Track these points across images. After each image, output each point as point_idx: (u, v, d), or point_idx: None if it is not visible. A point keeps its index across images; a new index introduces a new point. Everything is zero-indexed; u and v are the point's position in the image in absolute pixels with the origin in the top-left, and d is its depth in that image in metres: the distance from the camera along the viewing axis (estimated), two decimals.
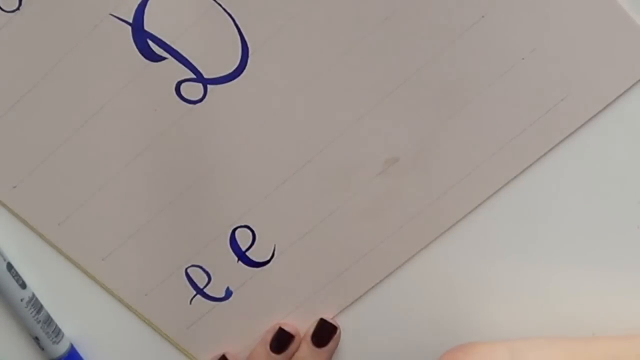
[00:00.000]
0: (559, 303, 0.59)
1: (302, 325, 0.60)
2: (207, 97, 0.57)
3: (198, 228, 0.59)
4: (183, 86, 0.57)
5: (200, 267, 0.60)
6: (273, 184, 0.58)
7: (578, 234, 0.58)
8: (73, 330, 0.61)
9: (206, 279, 0.60)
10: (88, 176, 0.59)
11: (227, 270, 0.60)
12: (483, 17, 0.55)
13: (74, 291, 0.60)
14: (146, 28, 0.56)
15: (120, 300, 0.61)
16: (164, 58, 0.56)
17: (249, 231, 0.59)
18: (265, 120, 0.57)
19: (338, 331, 0.60)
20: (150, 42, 0.56)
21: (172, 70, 0.56)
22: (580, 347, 0.54)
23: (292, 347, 0.60)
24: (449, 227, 0.59)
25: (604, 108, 0.57)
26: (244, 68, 0.56)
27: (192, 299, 0.60)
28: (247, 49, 0.56)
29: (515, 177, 0.57)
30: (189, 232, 0.59)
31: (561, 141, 0.57)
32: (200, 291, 0.60)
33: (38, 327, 0.60)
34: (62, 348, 0.61)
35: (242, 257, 0.60)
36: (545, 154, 0.57)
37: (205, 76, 0.56)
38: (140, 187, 0.59)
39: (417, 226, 0.58)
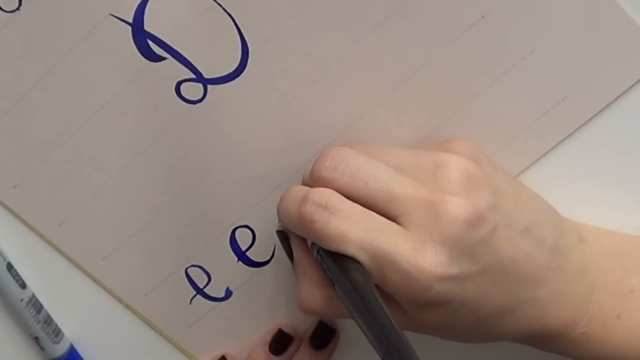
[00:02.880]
0: None
1: (302, 326, 0.60)
2: (207, 97, 0.57)
3: (198, 228, 0.59)
4: (183, 86, 0.57)
5: (200, 267, 0.60)
6: (273, 183, 0.58)
7: None
8: (73, 330, 0.61)
9: (206, 279, 0.60)
10: (88, 176, 0.58)
11: (227, 270, 0.60)
12: (483, 17, 0.55)
13: (74, 291, 0.60)
14: (146, 28, 0.56)
15: (120, 300, 0.61)
16: (164, 58, 0.56)
17: (249, 231, 0.59)
18: (265, 120, 0.57)
19: (337, 333, 0.60)
20: (150, 42, 0.56)
21: (172, 70, 0.56)
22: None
23: (291, 349, 0.60)
24: None
25: (604, 108, 0.57)
26: (244, 68, 0.56)
27: (192, 299, 0.60)
28: (247, 49, 0.56)
29: (515, 177, 0.57)
30: (189, 232, 0.59)
31: (561, 141, 0.57)
32: (200, 291, 0.60)
33: (38, 327, 0.60)
34: (62, 348, 0.61)
35: (242, 257, 0.60)
36: (545, 154, 0.57)
37: (205, 76, 0.57)
38: (140, 187, 0.59)
39: None
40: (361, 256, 0.50)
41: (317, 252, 0.52)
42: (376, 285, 0.51)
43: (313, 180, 0.52)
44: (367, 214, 0.51)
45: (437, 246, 0.50)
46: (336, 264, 0.50)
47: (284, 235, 0.55)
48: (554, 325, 0.53)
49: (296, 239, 0.55)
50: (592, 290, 0.54)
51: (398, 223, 0.51)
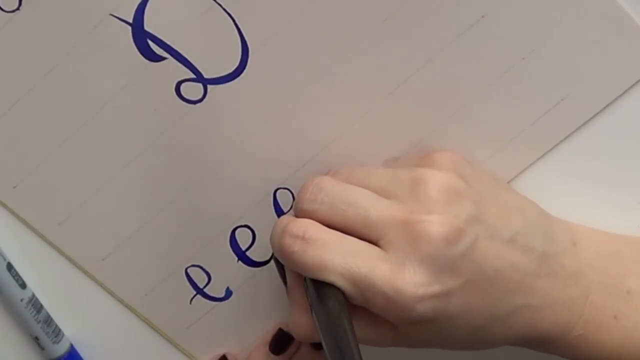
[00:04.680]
0: None
1: None
2: (207, 97, 0.57)
3: (198, 228, 0.59)
4: (183, 86, 0.57)
5: (200, 267, 0.60)
6: (273, 183, 0.58)
7: None
8: (73, 330, 0.61)
9: (206, 279, 0.60)
10: (88, 176, 0.58)
11: (227, 270, 0.60)
12: (483, 17, 0.55)
13: (74, 291, 0.60)
14: (146, 28, 0.56)
15: (120, 300, 0.61)
16: (164, 58, 0.56)
17: (249, 231, 0.59)
18: (265, 120, 0.57)
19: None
20: (150, 42, 0.56)
21: (172, 70, 0.56)
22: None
23: (291, 349, 0.60)
24: None
25: (604, 108, 0.57)
26: (244, 68, 0.56)
27: (192, 299, 0.60)
28: (247, 49, 0.56)
29: (515, 177, 0.57)
30: (189, 232, 0.59)
31: (561, 141, 0.57)
32: (200, 291, 0.60)
33: (38, 327, 0.60)
34: (62, 348, 0.61)
35: (242, 257, 0.60)
36: (545, 153, 0.57)
37: (205, 76, 0.57)
38: (140, 187, 0.59)
39: None
40: (341, 282, 0.51)
41: (305, 279, 0.53)
42: (362, 307, 0.51)
43: (297, 212, 0.54)
44: (345, 240, 0.52)
45: (416, 266, 0.50)
46: (316, 291, 0.51)
47: (279, 262, 0.55)
48: (548, 330, 0.53)
49: None
50: (587, 292, 0.54)
51: (379, 246, 0.51)
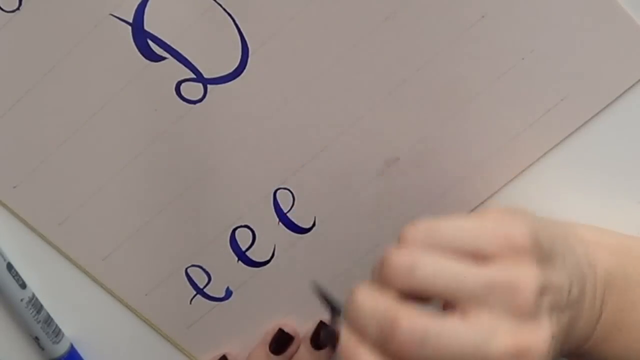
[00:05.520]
0: None
1: (302, 326, 0.60)
2: (207, 97, 0.57)
3: (198, 228, 0.59)
4: (183, 86, 0.57)
5: (200, 267, 0.60)
6: (273, 183, 0.58)
7: None
8: (73, 330, 0.61)
9: (206, 279, 0.60)
10: (88, 176, 0.59)
11: (227, 270, 0.60)
12: (483, 17, 0.55)
13: (74, 291, 0.60)
14: (146, 28, 0.56)
15: (120, 300, 0.61)
16: (164, 58, 0.56)
17: (249, 231, 0.59)
18: (265, 120, 0.57)
19: (338, 334, 0.60)
20: (150, 42, 0.56)
21: (172, 70, 0.56)
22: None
23: (292, 348, 0.60)
24: None
25: (604, 108, 0.57)
26: (244, 68, 0.56)
27: (192, 299, 0.60)
28: (247, 49, 0.56)
29: (515, 177, 0.58)
30: (189, 232, 0.59)
31: (561, 141, 0.57)
32: (200, 291, 0.60)
33: (38, 327, 0.60)
34: (62, 348, 0.61)
35: (242, 257, 0.60)
36: (545, 153, 0.57)
37: (205, 76, 0.57)
38: (141, 187, 0.59)
39: None
40: None
41: None
42: None
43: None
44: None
45: None
46: None
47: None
48: (567, 349, 0.52)
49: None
50: (601, 310, 0.53)
51: None
